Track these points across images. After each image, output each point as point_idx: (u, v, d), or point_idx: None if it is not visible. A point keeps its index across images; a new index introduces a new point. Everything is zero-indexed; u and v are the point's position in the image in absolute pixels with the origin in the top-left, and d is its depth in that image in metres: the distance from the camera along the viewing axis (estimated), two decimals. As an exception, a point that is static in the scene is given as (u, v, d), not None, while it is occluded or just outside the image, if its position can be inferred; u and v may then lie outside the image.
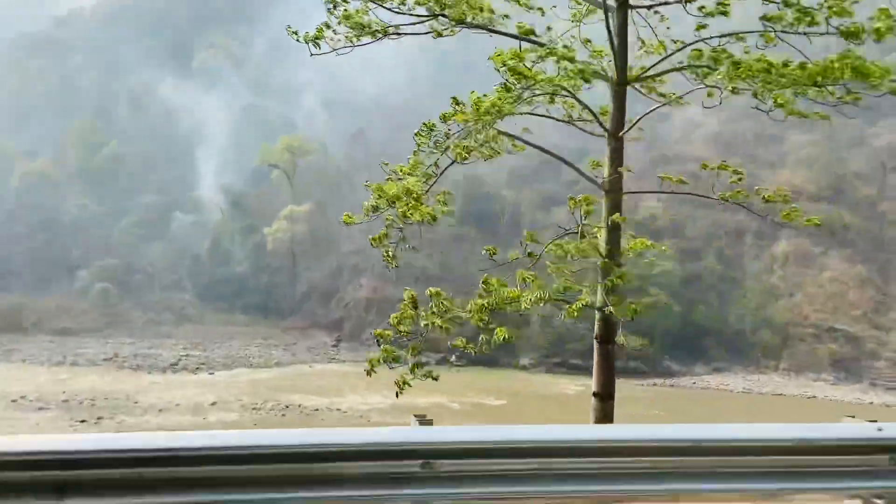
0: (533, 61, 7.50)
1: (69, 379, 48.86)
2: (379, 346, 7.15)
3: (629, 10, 7.83)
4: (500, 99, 7.35)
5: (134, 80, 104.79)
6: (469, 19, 7.67)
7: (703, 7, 7.45)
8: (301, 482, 3.18)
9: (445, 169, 8.10)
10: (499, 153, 8.92)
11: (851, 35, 6.54)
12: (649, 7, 8.41)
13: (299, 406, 42.45)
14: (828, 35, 7.22)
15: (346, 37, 8.01)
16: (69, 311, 72.59)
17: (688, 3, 7.44)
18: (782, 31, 6.93)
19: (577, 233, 7.80)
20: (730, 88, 6.97)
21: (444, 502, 3.27)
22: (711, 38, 7.47)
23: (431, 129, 8.45)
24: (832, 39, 7.26)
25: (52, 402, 41.03)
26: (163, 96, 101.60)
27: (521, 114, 8.28)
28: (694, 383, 54.25)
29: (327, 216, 76.07)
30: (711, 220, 64.01)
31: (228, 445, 3.25)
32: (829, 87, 7.32)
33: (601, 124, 8.08)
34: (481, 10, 7.61)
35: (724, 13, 7.21)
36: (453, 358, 59.05)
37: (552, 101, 8.28)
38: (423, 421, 3.50)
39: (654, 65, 8.10)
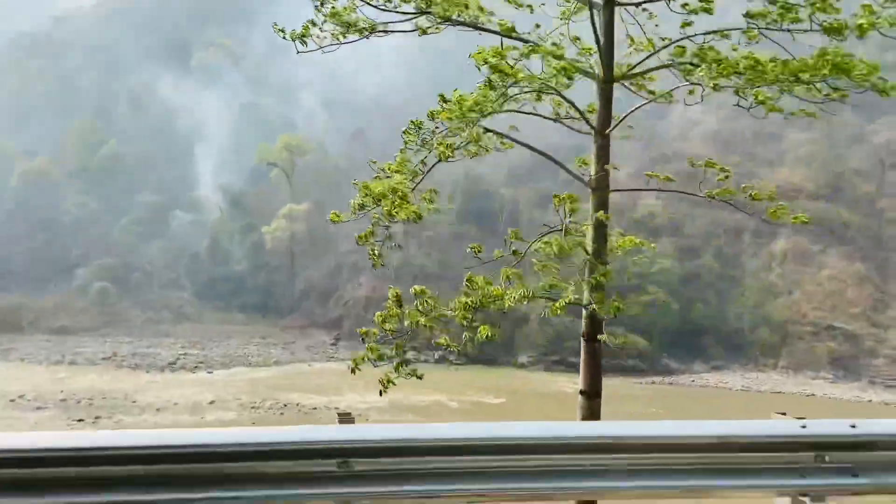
0: (516, 59, 7.48)
1: (67, 378, 48.89)
2: (364, 343, 7.15)
3: (615, 8, 7.82)
4: (483, 97, 7.34)
5: (133, 79, 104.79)
6: (455, 16, 7.65)
7: (686, 4, 7.43)
8: (215, 481, 3.15)
9: (432, 167, 8.08)
10: (488, 151, 8.90)
11: (834, 31, 6.53)
12: (637, 4, 8.39)
13: (298, 405, 42.51)
14: (812, 32, 7.20)
15: (333, 34, 8.00)
16: (68, 309, 72.62)
17: (671, 1, 7.43)
18: (766, 28, 6.93)
19: (562, 230, 7.79)
20: (711, 86, 6.96)
21: (362, 501, 3.27)
22: (696, 35, 7.46)
23: (419, 128, 8.45)
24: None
25: (50, 402, 41.07)
26: (162, 95, 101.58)
27: (509, 111, 8.27)
28: (693, 381, 54.25)
29: (326, 215, 75.49)
30: (710, 219, 63.99)
31: (140, 445, 3.22)
32: (817, 84, 7.32)
33: (588, 122, 8.06)
34: (466, 7, 7.59)
35: (708, 10, 7.21)
36: (452, 356, 59.24)
37: (539, 99, 8.28)
38: (344, 419, 3.49)
39: (639, 62, 8.09)
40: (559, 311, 7.39)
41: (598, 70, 7.94)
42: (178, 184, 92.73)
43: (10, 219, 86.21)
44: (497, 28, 8.04)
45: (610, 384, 49.65)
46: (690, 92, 7.63)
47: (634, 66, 8.09)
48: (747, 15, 7.00)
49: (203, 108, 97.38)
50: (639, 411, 41.07)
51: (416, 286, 7.33)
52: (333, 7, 8.22)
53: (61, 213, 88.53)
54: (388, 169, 8.47)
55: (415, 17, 7.85)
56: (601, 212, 7.57)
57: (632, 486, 3.20)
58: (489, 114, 7.61)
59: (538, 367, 57.91)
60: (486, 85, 7.51)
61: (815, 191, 65.36)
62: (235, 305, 76.90)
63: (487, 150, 8.90)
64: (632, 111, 8.38)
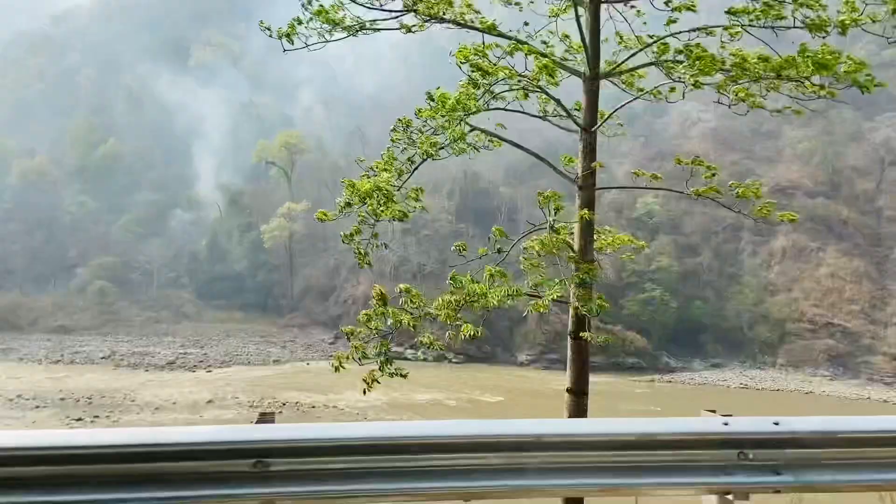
0: (499, 56, 7.47)
1: (66, 377, 48.88)
2: (349, 341, 7.14)
3: (601, 5, 7.80)
4: (466, 95, 7.32)
5: (131, 77, 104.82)
6: (442, 14, 7.63)
7: (669, 1, 7.41)
8: (125, 482, 3.11)
9: (418, 165, 8.07)
10: (477, 149, 8.89)
11: (816, 28, 6.52)
12: (625, 2, 8.38)
13: (296, 403, 42.45)
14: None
15: (318, 32, 7.99)
16: (67, 308, 72.71)
17: (654, -2, 7.42)
18: (749, 25, 6.91)
19: (547, 228, 7.78)
20: (692, 83, 6.95)
21: (285, 501, 3.25)
22: (680, 32, 7.44)
23: (407, 126, 8.44)
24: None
25: (49, 400, 41.03)
26: (161, 94, 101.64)
27: (495, 109, 8.26)
28: (691, 379, 54.21)
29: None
30: (709, 216, 63.99)
31: (45, 445, 3.17)
32: (805, 82, 7.31)
33: (573, 119, 8.04)
34: (451, 4, 7.57)
35: (690, 8, 7.19)
36: (451, 355, 59.25)
37: (526, 97, 8.26)
38: (262, 419, 3.48)
39: (624, 60, 8.08)
40: (542, 309, 7.38)
41: (584, 67, 7.93)
42: (177, 182, 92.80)
43: (8, 218, 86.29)
44: (481, 26, 8.02)
45: (609, 382, 49.77)
46: (672, 89, 7.61)
47: (620, 64, 8.07)
48: (730, 12, 6.99)
49: (202, 106, 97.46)
50: (637, 409, 41.08)
51: (401, 284, 7.32)
52: (321, 5, 8.22)
53: (60, 211, 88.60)
54: (377, 167, 8.47)
55: (401, 16, 7.84)
56: (585, 210, 7.54)
57: (553, 484, 3.19)
58: (473, 112, 7.59)
59: (537, 366, 57.93)
60: (469, 83, 7.50)
61: (814, 188, 65.43)
62: (234, 304, 76.98)
63: (477, 149, 8.89)
64: (617, 108, 8.36)
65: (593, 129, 7.77)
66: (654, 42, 7.59)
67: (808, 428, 3.53)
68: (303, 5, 8.28)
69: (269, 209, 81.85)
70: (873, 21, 6.44)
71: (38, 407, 39.60)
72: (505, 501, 3.62)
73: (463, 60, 7.37)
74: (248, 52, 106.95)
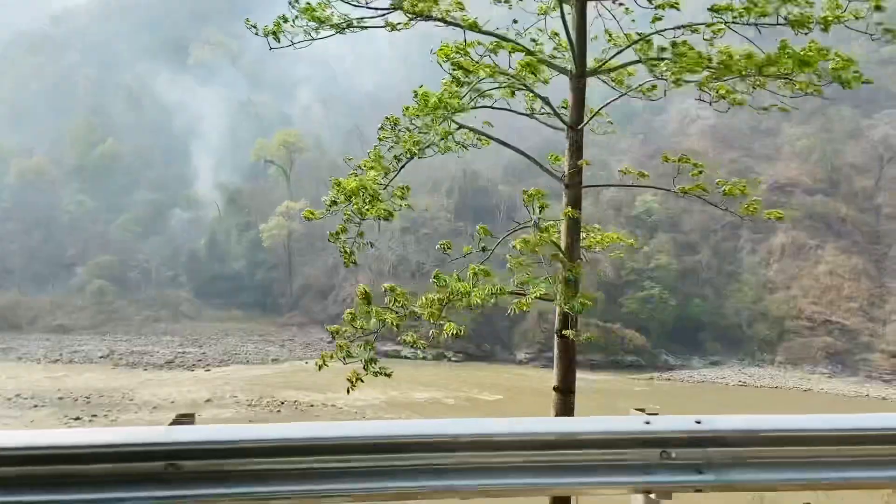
0: (481, 54, 7.45)
1: (65, 376, 48.90)
2: (334, 339, 7.13)
3: (587, 3, 7.78)
4: (449, 93, 7.30)
5: (130, 76, 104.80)
6: (427, 12, 7.61)
7: (652, -1, 7.40)
8: (28, 485, 3.10)
9: (405, 164, 8.06)
10: (465, 148, 8.88)
11: (799, 24, 6.50)
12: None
13: (295, 402, 42.46)
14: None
15: (305, 30, 7.98)
16: (65, 308, 72.71)
17: (638, -6, 7.40)
18: (733, 22, 6.89)
19: (532, 227, 7.76)
20: (673, 80, 6.93)
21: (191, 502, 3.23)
22: (666, 29, 7.43)
23: (395, 124, 8.43)
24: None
25: (48, 400, 41.06)
26: (159, 93, 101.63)
27: (482, 107, 8.24)
28: (690, 377, 54.21)
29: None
30: (708, 214, 63.95)
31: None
32: (795, 79, 7.30)
33: (560, 117, 8.02)
34: (436, 2, 7.55)
35: (674, 6, 7.17)
36: (450, 353, 59.26)
37: (513, 94, 8.24)
38: (180, 420, 3.45)
39: (610, 57, 8.05)
40: (526, 307, 7.38)
41: (570, 65, 7.91)
42: (176, 181, 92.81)
43: (7, 217, 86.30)
44: (463, 23, 8.00)
45: (608, 380, 49.81)
46: (653, 87, 7.60)
47: (606, 62, 8.05)
48: (712, 9, 6.97)
49: (201, 105, 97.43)
50: (636, 407, 41.01)
51: (386, 283, 7.31)
52: (308, 3, 8.21)
53: (59, 211, 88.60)
54: (364, 165, 8.46)
55: (388, 14, 7.83)
56: (569, 208, 7.53)
57: (470, 484, 3.17)
58: (458, 111, 7.57)
59: (536, 364, 57.90)
60: (452, 81, 7.48)
61: (813, 185, 65.43)
62: (233, 303, 76.94)
63: (465, 147, 8.88)
64: (603, 106, 8.35)
65: (580, 126, 7.76)
66: (640, 40, 7.56)
67: (730, 427, 3.51)
68: (290, 3, 8.27)
69: (268, 208, 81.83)
70: (856, 18, 6.43)
71: (36, 406, 39.63)
72: (421, 502, 3.59)
73: (444, 59, 7.35)
74: (247, 51, 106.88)
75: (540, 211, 7.69)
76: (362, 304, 7.09)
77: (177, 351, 59.69)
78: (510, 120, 9.15)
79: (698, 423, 3.47)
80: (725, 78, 7.09)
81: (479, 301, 6.77)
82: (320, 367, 6.99)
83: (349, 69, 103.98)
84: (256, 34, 8.14)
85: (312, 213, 8.29)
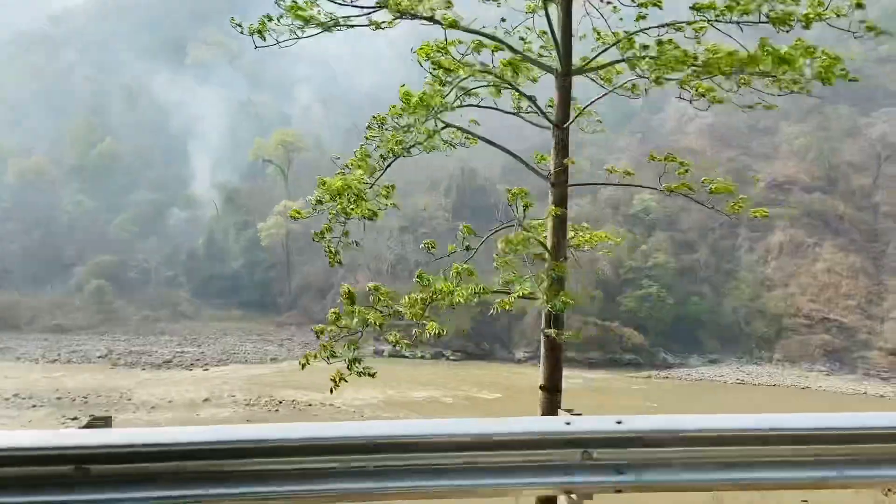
0: (463, 53, 7.43)
1: (63, 376, 48.87)
2: (318, 338, 7.12)
3: (572, 1, 7.76)
4: (429, 93, 7.29)
5: (128, 76, 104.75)
6: (412, 10, 7.59)
7: (636, -2, 7.39)
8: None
9: (391, 163, 8.06)
10: (453, 146, 8.88)
11: (780, 22, 6.48)
12: (600, -3, 8.35)
13: (293, 401, 42.41)
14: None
15: (290, 29, 7.97)
16: (64, 308, 72.67)
17: (624, -6, 7.39)
18: (716, 20, 6.87)
19: (516, 225, 7.76)
20: (653, 79, 6.92)
21: None
22: (650, 28, 7.41)
23: (382, 123, 8.43)
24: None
25: (45, 400, 41.03)
26: (157, 92, 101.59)
27: (469, 106, 8.23)
28: (688, 375, 54.19)
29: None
30: (706, 213, 63.58)
31: None
32: (781, 77, 7.29)
33: (545, 116, 8.01)
34: (420, 0, 7.53)
35: (656, 4, 7.15)
36: (449, 352, 59.23)
37: (499, 93, 8.23)
38: (92, 423, 3.43)
39: (594, 56, 8.04)
40: (509, 306, 7.37)
41: (556, 64, 7.90)
42: (175, 181, 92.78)
43: (6, 217, 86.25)
44: (460, 22, 7.99)
45: (606, 378, 49.78)
46: (634, 86, 7.60)
47: (591, 60, 8.04)
48: (694, 7, 6.95)
49: (199, 105, 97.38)
50: (634, 405, 41.06)
51: (370, 283, 7.31)
52: (294, 2, 8.20)
53: (58, 211, 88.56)
54: (351, 164, 8.45)
55: (372, 12, 7.81)
56: (552, 206, 7.52)
57: (386, 486, 3.15)
58: (442, 110, 7.56)
59: (535, 362, 57.72)
60: (434, 80, 7.47)
61: (811, 183, 65.40)
62: (232, 302, 76.91)
63: (453, 146, 8.88)
64: (588, 105, 8.35)
65: (565, 125, 7.74)
66: (623, 39, 7.55)
67: (651, 427, 3.50)
68: (276, 1, 8.27)
69: (266, 207, 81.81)
70: (838, 16, 6.41)
71: (34, 406, 39.60)
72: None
73: (424, 58, 7.33)
74: (246, 51, 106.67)
75: (524, 210, 7.67)
76: (346, 303, 7.08)
77: (175, 350, 59.67)
78: (510, 119, 9.13)
79: (619, 423, 3.45)
80: (711, 76, 7.08)
81: (461, 300, 6.77)
82: (303, 367, 6.98)
83: (349, 69, 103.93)
84: (242, 33, 8.13)
85: (298, 213, 8.30)
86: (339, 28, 8.31)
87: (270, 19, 7.92)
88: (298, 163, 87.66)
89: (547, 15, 7.59)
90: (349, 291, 7.04)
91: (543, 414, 7.68)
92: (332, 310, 7.13)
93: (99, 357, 57.04)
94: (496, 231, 8.01)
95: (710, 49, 7.27)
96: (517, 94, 8.34)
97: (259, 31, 7.98)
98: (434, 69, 7.37)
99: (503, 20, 8.65)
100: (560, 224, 7.72)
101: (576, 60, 8.10)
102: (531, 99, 8.19)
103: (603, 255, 57.02)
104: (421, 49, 7.42)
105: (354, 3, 7.85)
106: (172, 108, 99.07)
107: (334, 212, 7.92)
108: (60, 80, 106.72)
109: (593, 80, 8.74)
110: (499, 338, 60.39)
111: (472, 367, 55.80)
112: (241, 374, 51.43)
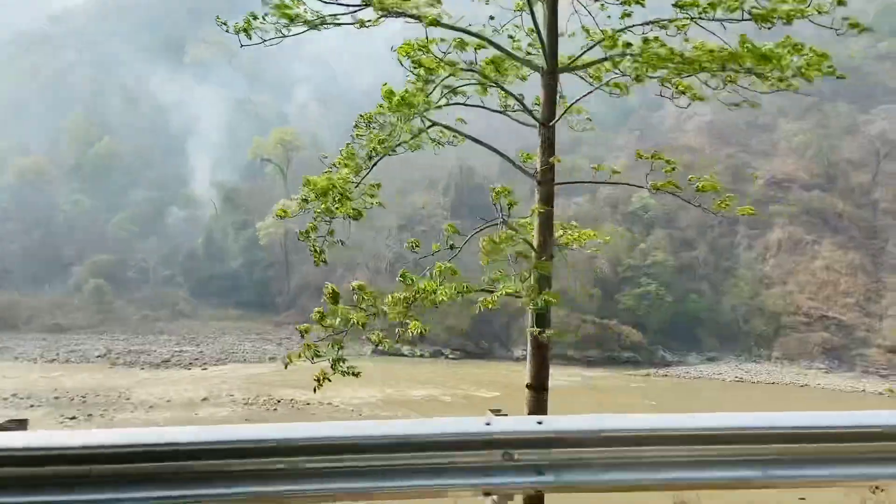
0: (444, 51, 7.42)
1: (61, 376, 48.89)
2: (302, 338, 7.11)
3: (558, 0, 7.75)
4: (410, 92, 7.28)
5: (127, 75, 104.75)
6: (396, 8, 7.58)
7: (620, -6, 7.37)
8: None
9: (376, 162, 8.04)
10: (441, 144, 8.87)
11: (762, 19, 6.46)
12: (585, -6, 8.33)
13: (292, 400, 42.44)
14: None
15: (276, 27, 7.95)
16: (63, 307, 72.71)
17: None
18: (699, 18, 6.85)
19: (500, 223, 7.75)
20: (634, 76, 6.91)
21: None
22: (635, 25, 7.40)
23: (369, 122, 8.41)
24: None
25: (44, 399, 41.04)
26: (156, 91, 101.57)
27: (455, 104, 8.22)
28: (687, 373, 54.21)
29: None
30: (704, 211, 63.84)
31: None
32: (769, 74, 7.27)
33: (531, 114, 8.00)
34: (406, -1, 7.52)
35: (639, 2, 7.14)
36: (448, 351, 59.28)
37: (485, 91, 8.22)
38: (7, 426, 3.41)
39: (580, 54, 8.03)
40: (492, 305, 7.37)
41: (541, 61, 7.89)
42: (173, 180, 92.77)
43: (4, 216, 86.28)
44: (448, 21, 7.97)
45: (604, 377, 49.72)
46: (616, 84, 7.59)
47: (576, 58, 8.02)
48: (676, 5, 6.93)
49: (198, 104, 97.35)
50: (633, 403, 41.07)
51: (354, 282, 7.31)
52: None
53: (56, 210, 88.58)
54: (338, 163, 8.44)
55: (358, 10, 7.80)
56: (540, 204, 7.51)
57: (304, 489, 3.15)
58: (426, 108, 7.55)
59: (533, 361, 57.85)
60: (417, 79, 7.46)
61: (809, 181, 65.39)
62: (230, 302, 76.91)
63: (441, 144, 8.86)
64: (574, 103, 8.31)
65: (551, 123, 7.73)
66: (607, 38, 7.54)
67: (571, 427, 3.48)
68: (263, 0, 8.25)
69: (265, 206, 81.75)
70: (819, 13, 6.39)
71: (32, 406, 39.60)
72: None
73: (405, 56, 7.32)
74: (245, 50, 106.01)
75: (509, 208, 7.67)
76: (330, 302, 7.07)
77: (174, 350, 59.70)
78: (509, 118, 9.09)
79: (539, 423, 3.43)
80: (694, 74, 7.07)
81: (445, 299, 6.76)
82: (286, 366, 6.97)
83: (348, 68, 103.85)
84: (227, 31, 8.11)
85: (285, 212, 8.30)
86: (325, 26, 8.28)
87: (256, 17, 7.89)
88: (297, 162, 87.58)
89: (532, 13, 7.57)
90: (333, 291, 7.03)
91: (530, 413, 7.67)
92: (317, 309, 7.13)
93: (97, 356, 57.05)
94: (480, 230, 8.00)
95: (696, 46, 7.26)
96: (503, 92, 8.33)
97: (245, 30, 7.95)
98: (415, 68, 7.35)
99: (492, 18, 8.63)
100: (546, 222, 7.71)
101: (566, 58, 8.08)
102: (517, 97, 8.18)
103: (602, 254, 57.05)
104: (401, 48, 7.41)
105: (339, 2, 7.82)
106: (171, 107, 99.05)
107: (319, 210, 7.90)
108: (60, 79, 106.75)
109: (582, 78, 8.73)
110: (497, 336, 60.40)
111: (471, 366, 55.81)
112: (239, 374, 51.45)
